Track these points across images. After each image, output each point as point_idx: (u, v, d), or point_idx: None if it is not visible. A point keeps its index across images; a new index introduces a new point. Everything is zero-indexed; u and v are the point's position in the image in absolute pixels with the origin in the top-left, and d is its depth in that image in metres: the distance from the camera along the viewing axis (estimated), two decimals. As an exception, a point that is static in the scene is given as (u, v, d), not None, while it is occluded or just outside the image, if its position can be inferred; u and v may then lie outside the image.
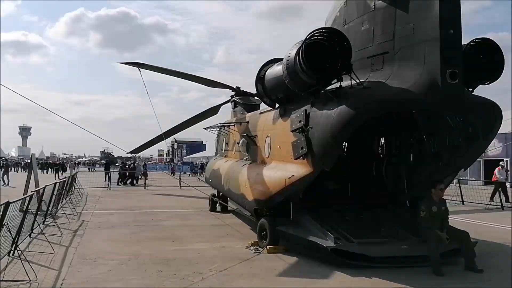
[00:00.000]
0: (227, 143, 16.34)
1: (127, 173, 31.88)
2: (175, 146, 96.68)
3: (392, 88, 7.61)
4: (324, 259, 8.14)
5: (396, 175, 10.48)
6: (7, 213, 6.78)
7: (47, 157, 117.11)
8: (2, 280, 6.65)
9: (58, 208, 14.67)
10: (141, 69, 14.54)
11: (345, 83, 8.42)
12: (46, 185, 11.09)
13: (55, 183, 12.82)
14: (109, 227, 12.20)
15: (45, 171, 56.26)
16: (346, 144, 12.58)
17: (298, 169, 8.81)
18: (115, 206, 17.76)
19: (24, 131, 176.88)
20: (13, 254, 7.82)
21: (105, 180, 29.00)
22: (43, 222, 12.02)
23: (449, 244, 8.10)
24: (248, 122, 13.21)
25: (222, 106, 19.60)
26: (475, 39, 8.34)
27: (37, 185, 14.70)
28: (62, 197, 15.33)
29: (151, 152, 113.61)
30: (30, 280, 6.64)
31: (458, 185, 20.67)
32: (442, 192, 8.31)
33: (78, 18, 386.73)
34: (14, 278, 6.75)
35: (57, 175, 41.10)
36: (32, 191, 9.36)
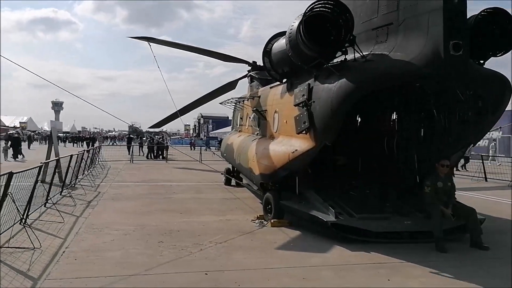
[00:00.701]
0: (241, 118, 16.34)
1: (155, 147, 32.62)
2: (201, 121, 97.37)
3: (394, 61, 7.38)
4: (325, 234, 8.14)
5: (406, 150, 10.26)
6: (12, 183, 7.00)
7: (79, 131, 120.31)
8: (8, 247, 6.95)
9: (77, 179, 15.13)
10: (152, 43, 14.56)
11: (351, 56, 8.24)
12: (59, 157, 11.38)
13: (71, 156, 13.16)
14: (122, 199, 12.52)
15: (75, 144, 57.79)
16: (359, 119, 12.39)
17: (301, 144, 8.74)
18: (134, 179, 18.16)
19: (57, 106, 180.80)
20: (24, 223, 8.13)
21: (129, 154, 29.62)
22: (60, 193, 12.44)
23: (455, 220, 7.95)
24: (259, 96, 13.13)
25: (240, 81, 19.56)
26: (486, 9, 7.94)
27: (57, 157, 15.14)
28: (80, 169, 15.72)
29: (178, 127, 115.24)
30: (34, 248, 6.91)
31: (481, 161, 20.15)
32: (447, 168, 8.09)
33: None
34: (20, 245, 7.04)
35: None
36: (41, 163, 9.61)
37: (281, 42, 9.46)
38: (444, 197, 8.00)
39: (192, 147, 42.79)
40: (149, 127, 25.42)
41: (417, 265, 6.61)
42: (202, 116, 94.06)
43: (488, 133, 35.52)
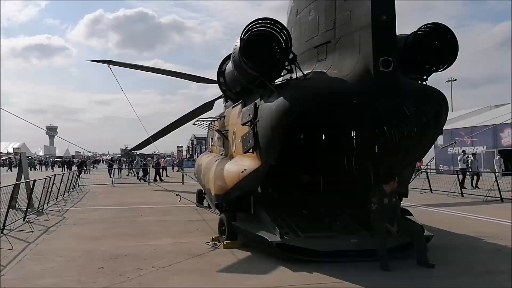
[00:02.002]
0: (212, 138, 16.34)
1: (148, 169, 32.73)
2: (195, 142, 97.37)
3: (330, 79, 7.43)
4: (273, 254, 8.02)
5: (363, 167, 10.23)
6: None
7: (72, 156, 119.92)
8: None
9: (47, 205, 14.98)
10: (116, 66, 14.64)
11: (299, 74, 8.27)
12: (15, 183, 11.28)
13: (34, 180, 13.05)
14: (84, 224, 12.37)
15: (63, 169, 57.43)
16: (324, 137, 12.41)
17: (250, 163, 8.71)
18: (107, 202, 18.02)
19: (51, 131, 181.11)
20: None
21: (109, 177, 29.56)
22: (24, 218, 12.27)
23: (401, 237, 7.86)
24: (224, 116, 13.15)
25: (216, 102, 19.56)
26: (426, 24, 8.04)
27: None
28: (49, 194, 15.58)
29: (172, 148, 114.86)
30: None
31: (456, 175, 20.13)
32: (393, 185, 8.02)
33: (97, 19, 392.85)
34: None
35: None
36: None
37: (233, 62, 9.52)
38: (390, 213, 7.92)
39: (173, 168, 42.31)
40: (127, 151, 25.29)
41: (354, 285, 6.49)
42: (195, 137, 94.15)
43: (472, 147, 35.91)
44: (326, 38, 8.01)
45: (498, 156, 29.45)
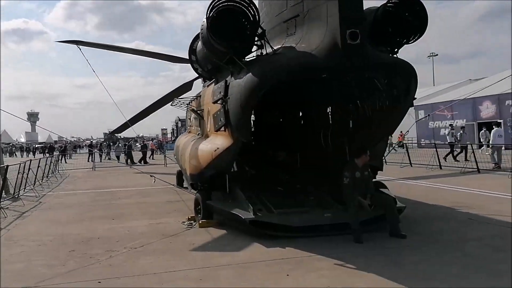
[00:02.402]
0: (189, 119, 16.16)
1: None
2: (179, 125, 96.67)
3: (298, 53, 7.29)
4: (247, 231, 8.00)
5: (338, 142, 10.21)
6: None
7: (55, 141, 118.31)
8: None
9: (23, 190, 14.73)
10: (85, 47, 14.25)
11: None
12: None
13: (7, 166, 12.78)
14: (60, 208, 12.20)
15: (45, 154, 56.58)
16: (301, 113, 12.36)
17: (222, 142, 8.61)
18: (86, 186, 17.81)
19: (32, 117, 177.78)
20: None
21: (88, 161, 29.29)
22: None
23: (374, 210, 7.90)
24: (200, 96, 12.95)
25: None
26: None
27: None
28: (24, 180, 15.30)
29: (157, 131, 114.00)
30: None
31: (435, 149, 20.34)
32: (365, 158, 8.00)
33: (75, 1, 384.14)
34: None
35: (63, 158, 40.71)
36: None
37: (204, 40, 9.31)
38: (362, 187, 7.93)
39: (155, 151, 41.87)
40: (109, 133, 25.01)
41: (325, 258, 6.50)
42: (179, 120, 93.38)
43: (452, 121, 36.28)
44: (295, 12, 7.84)
45: (484, 129, 29.58)
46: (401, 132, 32.64)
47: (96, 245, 7.80)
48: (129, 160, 31.02)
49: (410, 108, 8.35)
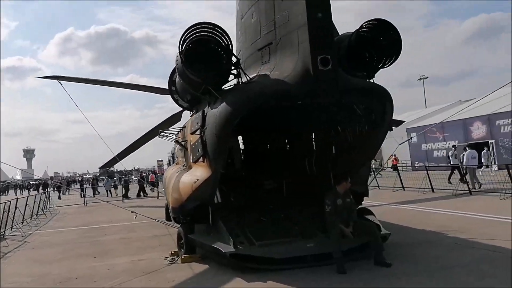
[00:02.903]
0: (176, 151, 16.05)
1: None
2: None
3: (271, 81, 7.29)
4: (230, 265, 7.80)
5: (323, 169, 10.13)
6: None
7: (51, 177, 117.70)
8: None
9: (10, 230, 14.47)
10: (66, 82, 14.27)
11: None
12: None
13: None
14: (44, 247, 11.96)
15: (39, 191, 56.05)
16: (287, 141, 12.34)
17: (202, 173, 8.50)
18: (74, 223, 17.50)
19: (28, 154, 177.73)
20: None
21: (81, 197, 28.99)
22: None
23: (357, 238, 7.73)
24: (185, 127, 12.91)
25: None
26: (368, 21, 7.98)
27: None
28: (10, 219, 15.05)
29: (154, 163, 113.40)
30: None
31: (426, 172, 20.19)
32: (346, 185, 7.90)
33: (68, 38, 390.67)
34: None
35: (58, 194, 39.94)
36: None
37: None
38: (345, 214, 7.79)
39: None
40: (100, 167, 24.81)
41: (306, 291, 6.32)
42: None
43: (444, 143, 36.31)
44: (268, 40, 7.89)
45: (486, 149, 29.16)
46: (395, 155, 32.78)
47: (74, 285, 7.59)
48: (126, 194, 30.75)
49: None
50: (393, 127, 8.77)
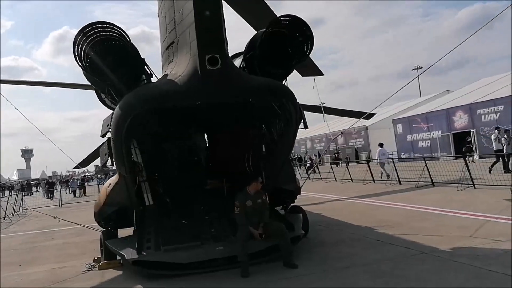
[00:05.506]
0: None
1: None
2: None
3: (164, 81, 6.99)
4: (140, 272, 7.52)
5: (257, 167, 9.83)
6: None
7: (49, 177, 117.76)
8: None
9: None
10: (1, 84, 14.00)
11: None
12: None
13: None
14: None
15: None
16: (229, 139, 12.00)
17: (114, 177, 8.23)
18: (33, 227, 17.27)
19: (26, 154, 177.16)
20: None
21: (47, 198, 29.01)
22: None
23: (267, 240, 7.43)
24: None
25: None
26: (279, 17, 7.61)
27: None
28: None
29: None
30: None
31: (393, 164, 19.91)
32: (257, 185, 7.59)
33: (63, 36, 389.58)
34: None
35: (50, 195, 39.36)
36: None
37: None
38: (255, 216, 7.48)
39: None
40: (74, 167, 24.59)
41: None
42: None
43: (428, 133, 35.96)
44: (171, 39, 7.59)
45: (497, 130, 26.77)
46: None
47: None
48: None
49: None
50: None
